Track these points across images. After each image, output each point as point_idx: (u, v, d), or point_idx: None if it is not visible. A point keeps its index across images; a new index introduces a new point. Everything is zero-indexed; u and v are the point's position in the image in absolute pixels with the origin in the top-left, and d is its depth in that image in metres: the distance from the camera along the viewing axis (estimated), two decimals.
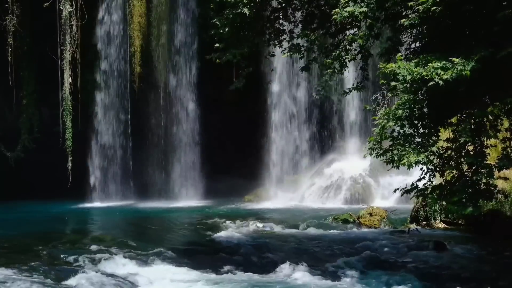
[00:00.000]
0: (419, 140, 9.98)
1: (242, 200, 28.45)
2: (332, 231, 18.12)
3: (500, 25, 8.93)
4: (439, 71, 8.99)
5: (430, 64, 9.13)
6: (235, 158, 29.06)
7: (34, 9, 29.16)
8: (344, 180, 27.35)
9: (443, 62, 9.05)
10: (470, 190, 9.83)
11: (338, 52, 12.01)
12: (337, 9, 10.89)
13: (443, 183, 10.34)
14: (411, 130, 10.08)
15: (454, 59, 8.93)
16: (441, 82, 8.95)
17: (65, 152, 28.96)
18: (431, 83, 9.02)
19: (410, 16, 10.04)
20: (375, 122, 10.14)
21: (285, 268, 12.83)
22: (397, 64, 9.60)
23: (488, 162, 9.84)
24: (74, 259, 13.23)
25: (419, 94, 9.67)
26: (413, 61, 9.58)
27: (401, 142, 9.91)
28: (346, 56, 11.95)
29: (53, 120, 29.88)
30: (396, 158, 9.82)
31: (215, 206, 26.33)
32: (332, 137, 30.05)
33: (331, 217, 20.04)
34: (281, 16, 13.11)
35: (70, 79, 28.94)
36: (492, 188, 10.10)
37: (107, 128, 30.75)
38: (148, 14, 30.55)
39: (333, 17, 11.03)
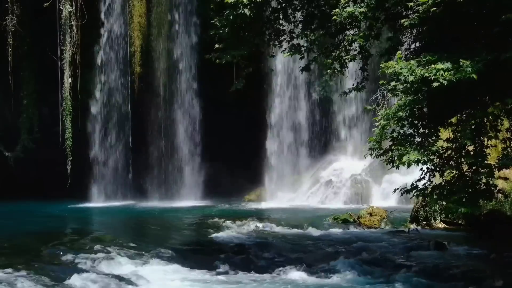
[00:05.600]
0: (419, 140, 9.99)
1: (242, 200, 28.49)
2: (332, 231, 18.11)
3: (501, 26, 8.93)
4: (442, 72, 8.98)
5: (432, 65, 9.11)
6: (235, 158, 29.04)
7: (34, 9, 29.14)
8: (344, 180, 27.36)
9: (447, 64, 9.00)
10: (470, 190, 9.85)
11: (338, 52, 12.03)
12: (337, 10, 10.90)
13: (443, 183, 10.36)
14: (411, 130, 10.10)
15: (462, 60, 8.89)
16: (445, 82, 8.94)
17: (64, 152, 28.95)
18: (435, 84, 8.99)
19: (410, 16, 10.04)
20: (376, 123, 10.15)
21: (285, 268, 12.82)
22: (399, 64, 9.58)
23: (488, 162, 9.85)
24: (74, 259, 13.22)
25: (420, 95, 9.67)
26: (414, 61, 9.57)
27: (401, 142, 9.92)
28: (346, 56, 11.97)
29: (53, 120, 29.84)
30: (396, 158, 9.83)
31: (215, 206, 26.36)
32: (332, 137, 30.05)
33: (331, 217, 20.04)
34: (281, 17, 13.11)
35: (70, 79, 28.93)
36: (492, 188, 10.12)
37: (107, 128, 30.74)
38: (148, 14, 30.55)
39: (333, 17, 11.04)
